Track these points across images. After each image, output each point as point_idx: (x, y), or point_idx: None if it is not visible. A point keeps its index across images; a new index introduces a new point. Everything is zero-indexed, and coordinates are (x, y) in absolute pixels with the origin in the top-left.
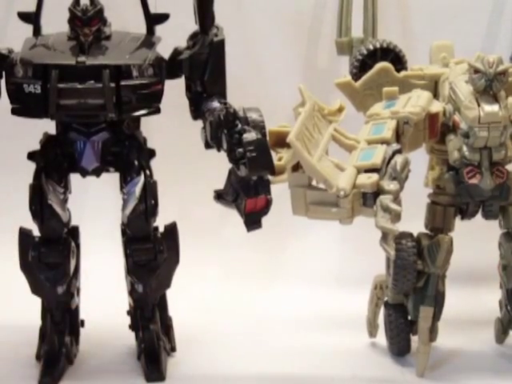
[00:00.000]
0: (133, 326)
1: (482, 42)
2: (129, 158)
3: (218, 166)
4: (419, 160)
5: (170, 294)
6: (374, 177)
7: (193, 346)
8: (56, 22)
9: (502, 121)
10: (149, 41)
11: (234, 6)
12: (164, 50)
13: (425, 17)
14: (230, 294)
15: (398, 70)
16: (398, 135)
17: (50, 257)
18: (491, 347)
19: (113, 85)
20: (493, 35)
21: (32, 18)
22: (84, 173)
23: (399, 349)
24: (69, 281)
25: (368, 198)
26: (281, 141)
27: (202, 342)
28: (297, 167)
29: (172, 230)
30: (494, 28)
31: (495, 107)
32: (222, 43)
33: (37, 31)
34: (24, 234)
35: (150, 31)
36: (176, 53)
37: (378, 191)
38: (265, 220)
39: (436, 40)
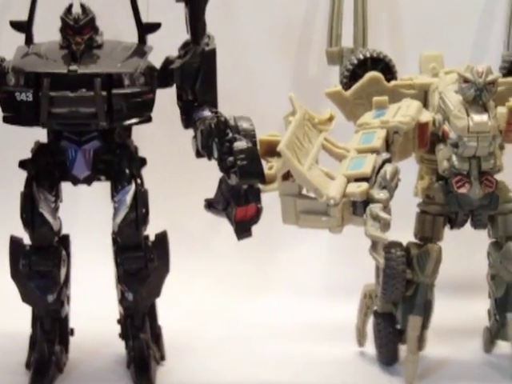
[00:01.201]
0: (123, 335)
1: (471, 53)
2: (120, 166)
3: (208, 175)
4: (409, 169)
5: (159, 302)
6: (364, 186)
7: (182, 354)
8: (48, 31)
9: (491, 131)
10: (140, 50)
11: (225, 15)
12: (156, 59)
13: (415, 27)
14: (219, 304)
15: (388, 80)
16: (388, 144)
17: (40, 265)
18: (479, 356)
19: (104, 93)
20: (482, 46)
21: (24, 27)
22: (75, 181)
23: (388, 358)
24: (59, 289)
25: (358, 207)
26: (271, 150)
27: (191, 350)
28: (287, 176)
29: (162, 238)
30: (483, 38)
31: (484, 117)
32: (213, 52)
33: (29, 40)
34: (15, 242)
35: (142, 40)
36: (167, 62)
37: (368, 200)
38: (255, 228)
39: (426, 50)
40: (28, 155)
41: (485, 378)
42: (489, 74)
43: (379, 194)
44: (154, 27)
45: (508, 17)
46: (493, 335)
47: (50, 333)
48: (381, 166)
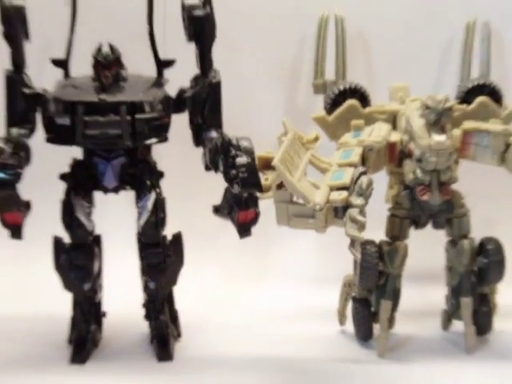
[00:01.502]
0: (146, 316)
1: (432, 84)
2: (142, 178)
3: (215, 185)
4: (381, 180)
5: (176, 290)
6: (344, 194)
7: (195, 332)
8: (82, 67)
9: (448, 148)
10: (158, 82)
11: (228, 53)
12: (171, 89)
13: (385, 63)
14: (225, 291)
15: (364, 107)
16: (364, 160)
17: (78, 260)
18: (438, 333)
19: (129, 118)
20: (441, 78)
21: (63, 64)
22: (105, 190)
23: (364, 335)
24: (93, 279)
25: (339, 211)
26: (267, 164)
27: (202, 329)
28: (280, 186)
29: (178, 237)
30: (442, 72)
31: (443, 137)
32: (218, 84)
33: (66, 74)
34: (57, 241)
35: (160, 74)
36: (181, 92)
37: (347, 205)
38: (254, 229)
39: (394, 82)
40: (67, 169)
41: (443, 350)
42: (446, 101)
43: (357, 201)
44: (170, 63)
45: (462, 55)
46: (449, 316)
47: (87, 315)
48: (358, 178)
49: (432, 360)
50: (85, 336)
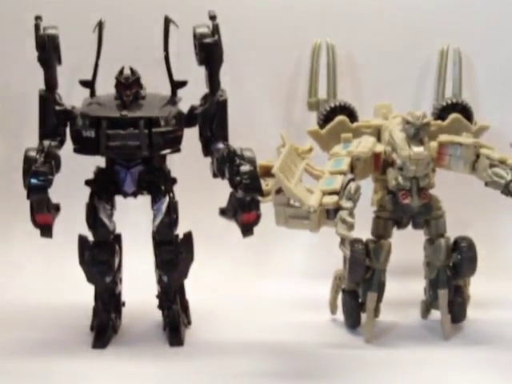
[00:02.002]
0: (160, 306)
1: (411, 102)
2: (158, 184)
3: (222, 190)
4: (367, 186)
5: (187, 282)
6: (335, 198)
7: (204, 320)
8: (106, 87)
9: (425, 158)
10: (172, 100)
11: (233, 74)
12: (184, 105)
13: (371, 84)
14: (230, 283)
15: (352, 122)
16: (352, 168)
17: (100, 256)
18: (418, 321)
19: (146, 131)
20: (419, 97)
21: (89, 84)
22: (125, 195)
23: (353, 323)
24: (114, 273)
25: (331, 213)
26: (267, 172)
27: (210, 317)
28: (279, 191)
29: (188, 236)
30: (420, 92)
31: (421, 149)
32: (225, 102)
33: (92, 93)
34: (82, 239)
35: (174, 93)
36: (192, 108)
37: (338, 208)
38: (256, 229)
39: (379, 100)
40: (91, 176)
41: (422, 336)
42: (424, 117)
43: (346, 204)
44: (183, 84)
45: (437, 77)
46: (428, 306)
47: (108, 305)
48: (347, 184)
49: (413, 345)
50: (105, 323)
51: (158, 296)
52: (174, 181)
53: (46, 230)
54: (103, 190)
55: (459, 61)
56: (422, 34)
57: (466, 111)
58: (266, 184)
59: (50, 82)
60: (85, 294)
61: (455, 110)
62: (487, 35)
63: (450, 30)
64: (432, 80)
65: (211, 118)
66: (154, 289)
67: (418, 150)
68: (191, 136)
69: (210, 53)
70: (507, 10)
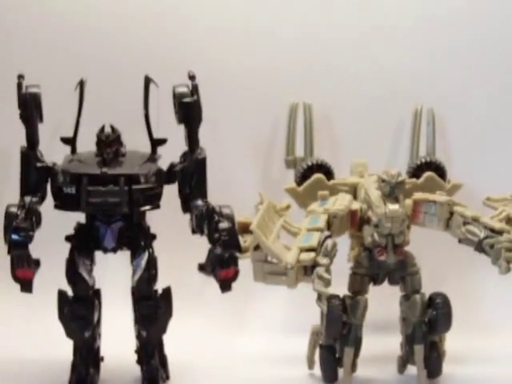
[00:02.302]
0: (139, 361)
1: (386, 161)
2: (137, 240)
3: (200, 246)
4: (343, 243)
5: (165, 337)
6: (312, 254)
7: (182, 375)
8: (87, 144)
9: (401, 216)
10: (152, 157)
11: (212, 133)
12: (163, 163)
13: (347, 143)
14: (209, 338)
15: (329, 179)
16: (329, 225)
17: (79, 310)
18: (395, 376)
19: (126, 188)
20: (394, 157)
21: (70, 142)
22: (105, 250)
23: (330, 378)
24: (93, 328)
25: (308, 270)
26: (246, 228)
27: (188, 372)
28: (257, 247)
29: (167, 291)
30: (394, 152)
31: (396, 206)
32: (204, 160)
33: (73, 150)
34: (61, 294)
35: (153, 151)
36: (171, 166)
37: (315, 264)
38: (234, 285)
39: (355, 159)
40: (71, 232)
41: None
42: (399, 176)
43: (323, 260)
44: (162, 141)
45: (411, 136)
46: (404, 361)
47: (86, 359)
48: (324, 241)
49: None
50: (84, 378)
51: (137, 351)
52: (153, 237)
53: (27, 285)
54: (83, 245)
55: (433, 121)
56: (396, 95)
57: (439, 170)
58: (245, 240)
59: (32, 140)
60: (63, 348)
61: (429, 168)
62: (459, 96)
63: (423, 92)
64: (406, 139)
65: (190, 176)
66: (132, 344)
67: (393, 207)
68: (170, 192)
69: (189, 112)
70: (479, 71)
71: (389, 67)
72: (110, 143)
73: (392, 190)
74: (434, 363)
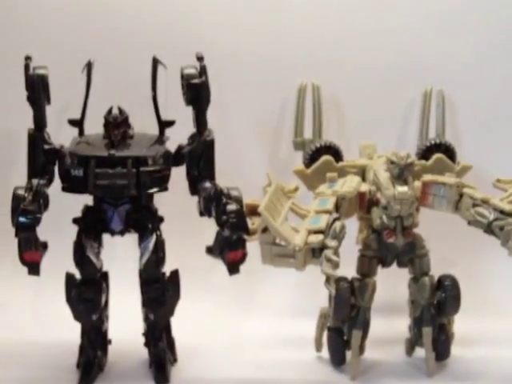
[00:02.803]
0: (146, 344)
1: (395, 143)
2: (145, 222)
3: (208, 229)
4: (352, 225)
5: (173, 320)
6: (320, 237)
7: (189, 357)
8: (95, 126)
9: (410, 198)
10: (160, 139)
11: (220, 114)
12: (171, 145)
13: (356, 124)
14: (217, 321)
15: (337, 161)
16: (337, 207)
17: (87, 293)
18: (403, 359)
19: (134, 170)
20: (403, 138)
21: (78, 124)
22: (112, 233)
23: (338, 360)
24: (100, 311)
25: (316, 252)
26: (254, 211)
27: (196, 355)
28: (265, 230)
29: (175, 274)
30: (404, 133)
31: (405, 188)
32: (212, 142)
33: (81, 132)
34: (69, 277)
35: (161, 132)
36: (179, 148)
37: (323, 247)
38: (242, 267)
39: (363, 141)
40: (79, 215)
41: (407, 374)
42: (408, 158)
43: (331, 243)
44: (170, 123)
45: (420, 118)
46: (412, 343)
47: (94, 342)
48: (332, 223)
49: (397, 382)
50: (91, 361)
51: (145, 334)
52: (161, 219)
53: (34, 268)
54: (91, 228)
55: (442, 102)
56: (406, 76)
57: (449, 151)
58: (253, 223)
59: (39, 122)
60: (71, 331)
61: (438, 150)
62: (469, 77)
63: (433, 73)
64: (416, 121)
65: (198, 158)
66: (140, 327)
67: (402, 189)
68: (178, 175)
69: (197, 93)
70: (488, 53)
71: (398, 48)
72: (117, 125)
73: (401, 172)
74: (442, 346)
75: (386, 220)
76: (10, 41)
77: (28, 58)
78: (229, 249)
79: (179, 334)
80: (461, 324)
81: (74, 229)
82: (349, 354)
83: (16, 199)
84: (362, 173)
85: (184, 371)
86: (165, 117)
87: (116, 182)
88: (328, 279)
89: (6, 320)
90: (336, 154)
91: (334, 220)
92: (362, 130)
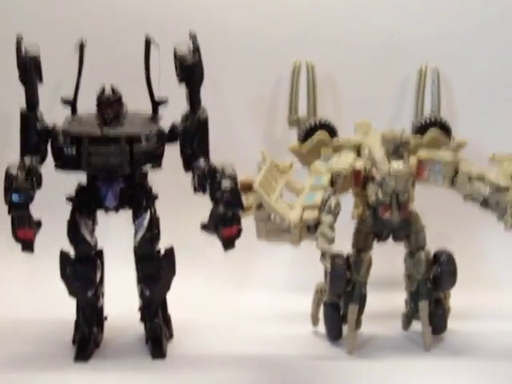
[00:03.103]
0: (142, 319)
1: (390, 120)
2: (139, 199)
3: (203, 205)
4: (348, 201)
5: (169, 296)
6: (316, 212)
7: (185, 333)
8: (87, 105)
9: (405, 174)
10: (154, 118)
11: (214, 92)
12: (165, 123)
13: (350, 101)
14: (212, 297)
15: (332, 139)
16: (332, 183)
17: (81, 271)
18: (399, 333)
19: (127, 148)
20: (398, 115)
21: (70, 103)
22: (107, 210)
23: (334, 335)
24: (96, 287)
25: (311, 228)
26: (248, 187)
27: (192, 330)
28: (260, 206)
29: (170, 251)
30: (399, 109)
31: (400, 164)
32: (206, 120)
33: (74, 111)
34: (63, 255)
35: (155, 111)
36: (173, 126)
37: (318, 222)
38: (238, 243)
39: (359, 118)
40: (73, 193)
41: (403, 347)
42: (403, 134)
43: (326, 218)
44: (163, 102)
45: (416, 95)
46: (409, 317)
47: (89, 318)
48: (327, 199)
49: (394, 356)
50: (87, 337)
51: (140, 309)
52: (155, 197)
53: (28, 245)
54: (84, 205)
55: (437, 79)
56: (400, 53)
57: (444, 128)
58: (247, 199)
59: (32, 101)
60: (67, 308)
61: (434, 127)
62: (464, 54)
63: (428, 50)
64: (411, 98)
65: (192, 136)
66: (135, 303)
67: (397, 165)
68: (172, 154)
69: (190, 72)
70: (482, 30)
71: (393, 25)
72: (110, 104)
73: (396, 148)
74: (438, 320)
75: (381, 196)
76: (1, 20)
77: (19, 38)
78: (223, 225)
79: (175, 309)
80: (457, 298)
81: (68, 206)
82: (345, 329)
83: (9, 177)
84: (357, 149)
85: (180, 347)
86: (158, 95)
87: (109, 160)
88: (323, 254)
89: (0, 296)
90: (331, 131)
91: (329, 196)
92: (356, 108)
